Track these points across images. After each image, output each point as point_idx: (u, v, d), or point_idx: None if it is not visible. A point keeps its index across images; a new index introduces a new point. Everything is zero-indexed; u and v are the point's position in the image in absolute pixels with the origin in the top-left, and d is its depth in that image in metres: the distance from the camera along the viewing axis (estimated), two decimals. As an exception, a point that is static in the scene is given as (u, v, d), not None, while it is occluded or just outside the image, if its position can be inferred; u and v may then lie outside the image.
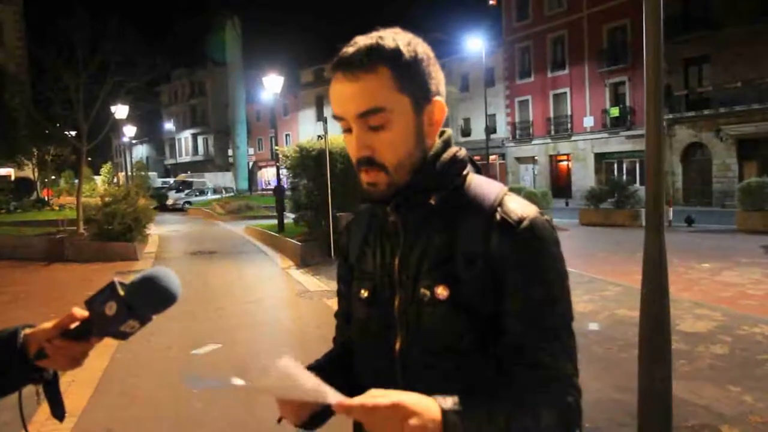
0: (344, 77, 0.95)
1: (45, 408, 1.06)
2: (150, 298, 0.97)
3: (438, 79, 1.02)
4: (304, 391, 0.79)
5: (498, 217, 0.97)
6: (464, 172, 1.05)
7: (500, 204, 0.99)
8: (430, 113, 1.00)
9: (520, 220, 0.96)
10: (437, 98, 1.01)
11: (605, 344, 5.58)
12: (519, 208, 0.99)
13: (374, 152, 0.97)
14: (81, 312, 0.99)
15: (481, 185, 1.04)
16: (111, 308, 0.94)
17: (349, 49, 0.95)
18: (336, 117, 0.99)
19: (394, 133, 0.96)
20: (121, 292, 0.95)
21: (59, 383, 1.05)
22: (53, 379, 1.04)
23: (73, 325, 0.98)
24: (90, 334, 0.98)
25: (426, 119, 1.00)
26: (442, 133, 1.05)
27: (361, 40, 0.96)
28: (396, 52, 0.95)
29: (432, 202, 1.01)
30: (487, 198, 1.01)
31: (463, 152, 1.06)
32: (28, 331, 1.02)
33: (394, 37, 0.96)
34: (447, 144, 1.04)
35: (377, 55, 0.94)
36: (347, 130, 0.99)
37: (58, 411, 1.04)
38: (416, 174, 0.99)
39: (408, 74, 0.96)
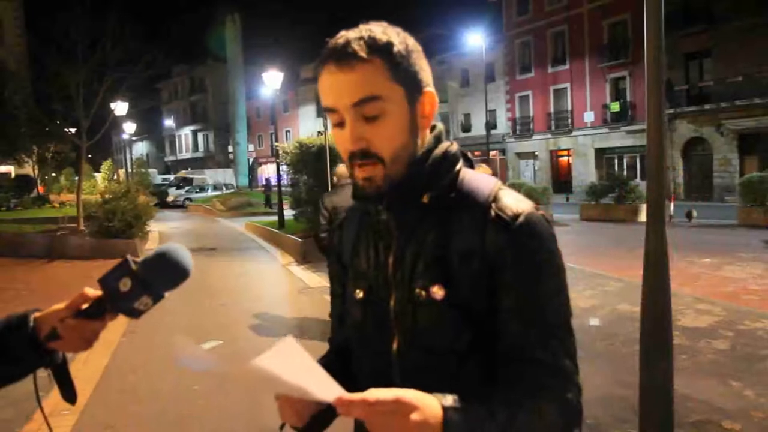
0: (337, 68, 0.93)
1: (48, 405, 1.06)
2: (163, 273, 0.97)
3: (427, 71, 1.01)
4: (303, 386, 0.77)
5: (493, 213, 0.96)
6: (456, 168, 1.03)
7: (494, 200, 0.97)
8: (422, 104, 0.99)
9: (516, 216, 0.95)
10: (428, 88, 1.00)
11: (607, 339, 5.58)
12: (514, 203, 0.97)
13: (369, 144, 0.94)
14: (93, 291, 0.99)
15: (474, 180, 1.02)
16: (126, 284, 0.94)
17: (340, 41, 0.94)
18: (327, 109, 0.97)
19: (390, 123, 0.94)
20: (135, 268, 0.95)
21: (68, 366, 1.06)
22: (62, 362, 1.05)
23: (84, 305, 0.98)
24: (104, 313, 0.98)
25: (419, 111, 0.99)
26: (433, 128, 1.03)
27: (351, 33, 0.95)
28: (388, 44, 0.94)
29: (425, 200, 1.00)
30: (480, 194, 0.99)
31: (455, 147, 1.04)
32: (37, 314, 1.02)
33: (383, 30, 0.96)
34: (438, 139, 1.03)
35: (371, 46, 0.93)
36: (338, 125, 0.97)
37: (69, 394, 1.05)
38: (410, 168, 0.98)
39: (401, 65, 0.95)
